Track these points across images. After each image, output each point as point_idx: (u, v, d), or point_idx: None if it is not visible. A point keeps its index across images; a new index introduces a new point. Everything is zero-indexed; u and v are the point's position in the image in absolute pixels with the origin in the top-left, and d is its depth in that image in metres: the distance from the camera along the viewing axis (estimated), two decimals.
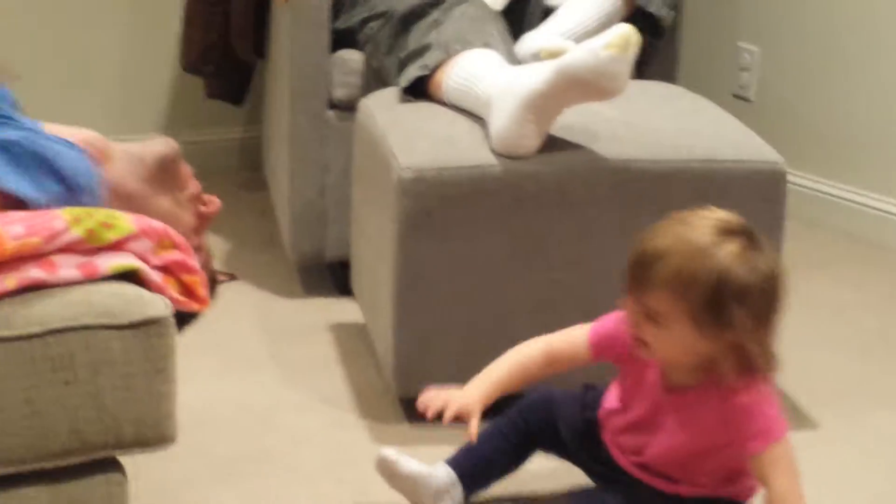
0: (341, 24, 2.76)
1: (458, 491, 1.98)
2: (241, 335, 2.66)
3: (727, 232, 1.73)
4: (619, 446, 1.93)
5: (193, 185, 1.84)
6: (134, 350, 1.43)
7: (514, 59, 2.52)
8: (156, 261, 1.53)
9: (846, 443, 2.28)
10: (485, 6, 2.61)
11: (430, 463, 2.00)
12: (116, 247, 1.49)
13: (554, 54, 2.22)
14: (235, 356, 2.56)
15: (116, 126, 3.28)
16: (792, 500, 1.75)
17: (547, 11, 2.77)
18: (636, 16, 2.70)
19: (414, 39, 2.54)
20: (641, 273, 1.73)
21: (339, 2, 2.78)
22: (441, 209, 2.17)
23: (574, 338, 1.93)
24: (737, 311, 1.71)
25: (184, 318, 1.59)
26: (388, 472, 1.99)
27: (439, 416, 1.88)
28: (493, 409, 1.96)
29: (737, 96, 3.59)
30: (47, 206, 1.53)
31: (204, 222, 1.85)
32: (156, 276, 1.52)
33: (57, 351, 1.40)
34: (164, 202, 1.76)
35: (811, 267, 3.06)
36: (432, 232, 2.18)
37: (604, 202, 2.22)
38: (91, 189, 1.62)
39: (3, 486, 1.43)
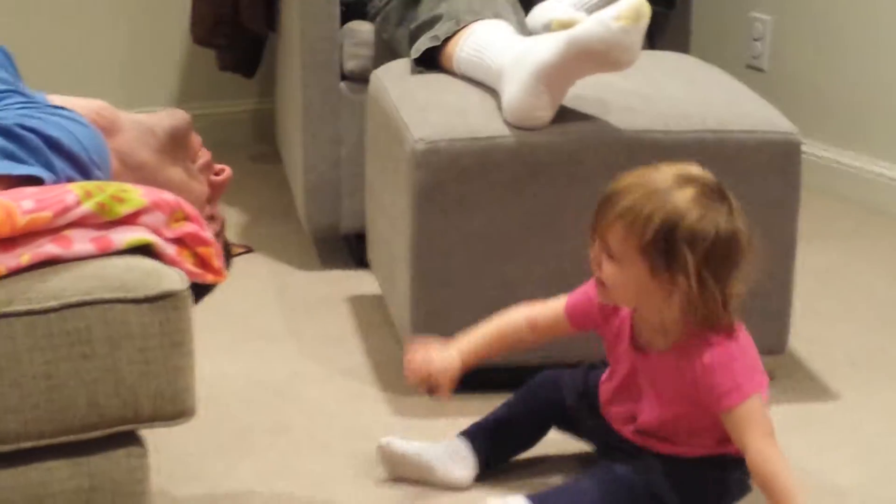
0: None
1: (470, 461, 1.99)
2: (258, 308, 2.67)
3: (688, 179, 1.78)
4: (613, 417, 1.95)
5: (204, 155, 1.84)
6: (151, 324, 1.43)
7: (526, 30, 2.51)
8: (169, 234, 1.53)
9: (866, 413, 2.28)
10: None
11: (449, 434, 2.02)
12: (129, 220, 1.49)
13: (565, 25, 2.22)
14: (252, 328, 2.57)
15: (129, 99, 3.29)
16: (771, 460, 1.76)
17: None
18: None
19: (424, 10, 2.53)
20: (602, 210, 1.80)
21: None
22: (454, 181, 2.18)
23: (555, 308, 1.97)
24: (686, 253, 1.74)
25: (200, 291, 1.59)
26: (388, 459, 2.01)
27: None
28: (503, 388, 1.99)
29: (750, 66, 3.58)
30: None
31: (216, 191, 1.85)
32: (170, 249, 1.52)
33: (74, 325, 1.41)
34: (175, 173, 1.76)
35: (826, 237, 3.06)
36: (446, 203, 2.18)
37: (617, 173, 2.21)
38: (102, 164, 1.62)
39: (23, 460, 1.44)
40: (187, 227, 1.55)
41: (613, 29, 2.07)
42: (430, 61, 2.45)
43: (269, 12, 3.15)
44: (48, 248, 1.43)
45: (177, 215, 1.55)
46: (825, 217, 3.20)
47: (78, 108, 1.66)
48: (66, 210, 1.44)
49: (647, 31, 2.12)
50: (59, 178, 1.53)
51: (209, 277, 1.58)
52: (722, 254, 1.76)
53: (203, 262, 1.57)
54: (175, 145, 1.77)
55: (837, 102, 3.39)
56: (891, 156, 3.28)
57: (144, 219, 1.51)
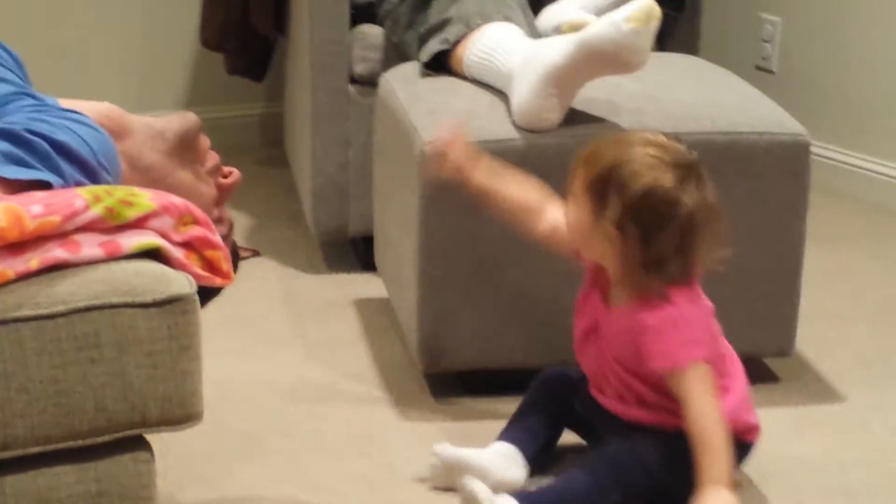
0: None
1: (519, 459, 2.00)
2: (264, 311, 2.66)
3: (657, 144, 1.84)
4: (596, 387, 1.97)
5: (212, 157, 1.84)
6: (159, 328, 1.43)
7: (535, 33, 2.51)
8: (178, 237, 1.53)
9: (873, 414, 2.27)
10: None
11: (456, 437, 2.02)
12: (137, 224, 1.49)
13: (575, 27, 2.21)
14: (259, 332, 2.57)
15: (138, 103, 3.29)
16: (709, 418, 1.79)
17: None
18: None
19: (434, 13, 2.53)
20: (576, 160, 1.88)
21: None
22: (463, 184, 2.17)
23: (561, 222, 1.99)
24: (613, 198, 1.80)
25: (207, 294, 1.59)
26: (444, 466, 1.99)
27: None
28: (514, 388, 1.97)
29: (759, 68, 3.57)
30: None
31: (225, 194, 1.85)
32: (178, 254, 1.52)
33: (82, 330, 1.41)
34: (184, 176, 1.76)
35: (835, 238, 3.05)
36: (455, 206, 2.18)
37: None
38: (111, 167, 1.62)
39: (31, 465, 1.43)
40: (196, 231, 1.55)
41: (624, 31, 2.06)
42: (440, 64, 2.45)
43: (279, 15, 3.15)
44: (57, 252, 1.43)
45: (185, 219, 1.54)
46: (834, 218, 3.19)
47: (87, 111, 1.66)
48: (75, 214, 1.44)
49: (656, 34, 2.12)
50: (68, 183, 1.53)
51: (217, 281, 1.58)
52: (652, 213, 1.80)
53: (211, 266, 1.57)
54: (184, 148, 1.77)
55: (846, 104, 3.38)
56: None
57: (153, 223, 1.51)
